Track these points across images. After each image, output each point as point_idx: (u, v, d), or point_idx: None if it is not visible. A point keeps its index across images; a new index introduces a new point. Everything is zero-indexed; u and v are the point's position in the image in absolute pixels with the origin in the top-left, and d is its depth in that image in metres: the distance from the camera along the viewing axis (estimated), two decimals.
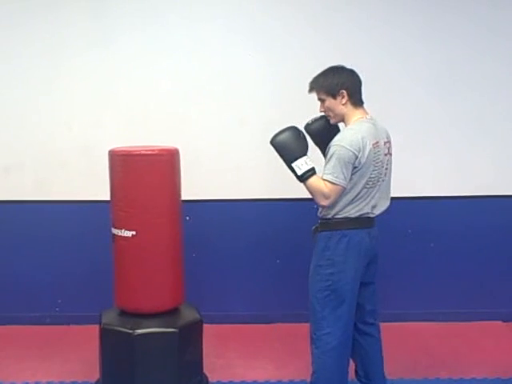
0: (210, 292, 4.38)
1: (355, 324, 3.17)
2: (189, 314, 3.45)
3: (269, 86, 4.35)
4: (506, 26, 4.36)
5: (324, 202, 2.99)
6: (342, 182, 2.94)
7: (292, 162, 3.01)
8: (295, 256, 4.18)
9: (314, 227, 3.13)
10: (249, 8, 4.31)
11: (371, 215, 3.07)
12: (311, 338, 3.10)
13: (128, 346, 3.24)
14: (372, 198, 3.04)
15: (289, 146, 3.02)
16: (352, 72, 3.09)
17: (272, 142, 3.06)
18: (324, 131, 3.16)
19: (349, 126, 3.05)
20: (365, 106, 3.12)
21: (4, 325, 4.39)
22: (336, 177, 2.93)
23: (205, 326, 3.47)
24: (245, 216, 4.45)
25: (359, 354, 3.25)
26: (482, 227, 4.45)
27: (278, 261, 4.49)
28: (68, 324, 4.46)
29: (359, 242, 3.04)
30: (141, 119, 4.33)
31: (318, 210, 3.12)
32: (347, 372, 3.13)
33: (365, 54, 4.25)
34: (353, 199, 3.00)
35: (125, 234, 3.22)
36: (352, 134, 2.97)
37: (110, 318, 3.39)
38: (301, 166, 2.99)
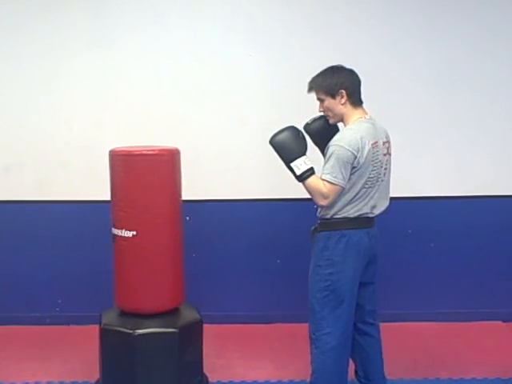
0: (210, 292, 4.38)
1: (355, 324, 3.17)
2: (189, 314, 3.45)
3: (269, 86, 4.36)
4: (506, 26, 4.36)
5: (323, 202, 2.99)
6: (341, 182, 2.94)
7: (291, 161, 3.01)
8: (295, 256, 4.17)
9: (313, 227, 3.13)
10: (249, 8, 4.31)
11: (370, 215, 3.07)
12: (310, 338, 3.10)
13: (128, 346, 3.24)
14: (371, 198, 3.04)
15: (288, 146, 3.02)
16: (351, 72, 3.09)
17: (271, 142, 3.07)
18: (323, 131, 3.16)
19: (348, 126, 3.05)
20: (365, 105, 3.12)
21: (4, 325, 4.39)
22: (335, 177, 2.93)
23: (205, 326, 3.47)
24: (245, 216, 4.45)
25: (359, 355, 3.25)
26: (482, 227, 4.45)
27: (278, 261, 4.49)
28: (68, 324, 4.46)
29: (358, 241, 3.04)
30: (141, 119, 4.33)
31: (317, 210, 3.12)
32: (347, 372, 3.13)
33: (365, 54, 4.25)
34: (352, 199, 3.00)
35: (125, 234, 3.22)
36: (351, 133, 2.97)
37: (110, 318, 3.39)
38: (299, 165, 2.99)
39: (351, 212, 3.02)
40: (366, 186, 3.00)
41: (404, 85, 4.36)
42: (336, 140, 2.97)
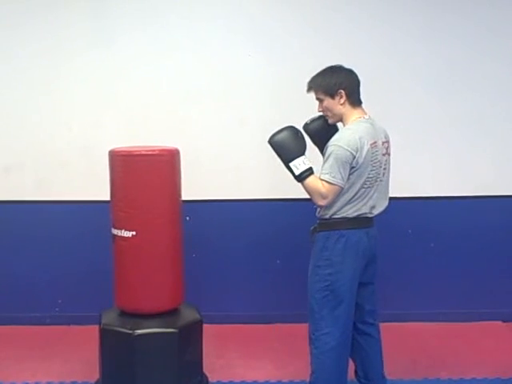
0: (210, 292, 4.38)
1: (355, 324, 3.17)
2: (189, 314, 3.45)
3: (269, 86, 4.36)
4: (506, 26, 4.36)
5: (321, 202, 2.99)
6: (340, 182, 2.94)
7: (290, 161, 3.01)
8: (295, 256, 4.17)
9: (312, 227, 3.13)
10: (249, 8, 4.31)
11: (369, 215, 3.07)
12: (310, 339, 3.10)
13: (128, 346, 3.24)
14: (370, 198, 3.04)
15: (287, 146, 3.02)
16: (350, 72, 3.09)
17: (270, 142, 3.06)
18: (322, 131, 3.16)
19: (347, 126, 3.05)
20: (365, 106, 3.12)
21: (4, 325, 4.39)
22: (333, 177, 2.93)
23: (205, 326, 3.47)
24: (245, 216, 4.45)
25: (359, 355, 3.25)
26: (482, 227, 4.45)
27: (278, 261, 4.49)
28: (68, 324, 4.46)
29: (357, 241, 3.04)
30: (141, 119, 4.33)
31: (316, 210, 3.12)
32: (346, 372, 3.13)
33: (365, 53, 4.25)
34: (350, 199, 3.00)
35: (125, 235, 3.22)
36: (350, 133, 2.97)
37: (110, 318, 3.39)
38: (298, 165, 2.99)
39: (350, 212, 3.02)
40: (365, 186, 3.00)
41: (404, 85, 4.36)
42: (335, 140, 2.97)
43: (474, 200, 4.44)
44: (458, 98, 4.39)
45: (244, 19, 4.32)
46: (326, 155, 2.97)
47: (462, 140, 4.42)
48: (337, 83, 3.02)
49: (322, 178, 2.96)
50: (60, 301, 4.50)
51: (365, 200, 3.03)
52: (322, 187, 2.95)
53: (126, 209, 3.23)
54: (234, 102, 4.37)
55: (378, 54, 4.32)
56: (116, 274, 3.36)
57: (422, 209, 4.46)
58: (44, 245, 4.43)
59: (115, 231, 3.28)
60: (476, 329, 4.41)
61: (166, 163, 3.28)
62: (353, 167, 2.95)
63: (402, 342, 4.14)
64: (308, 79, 3.12)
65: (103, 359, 3.37)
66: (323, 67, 3.12)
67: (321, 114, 3.15)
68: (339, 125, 3.15)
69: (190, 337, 3.36)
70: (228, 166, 4.41)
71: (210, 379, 3.60)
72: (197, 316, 3.46)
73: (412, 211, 4.43)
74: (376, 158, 3.00)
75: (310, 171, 3.00)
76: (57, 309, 4.50)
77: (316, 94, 3.09)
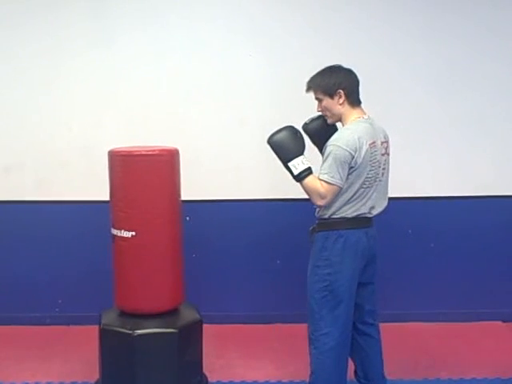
0: (210, 292, 4.38)
1: (355, 324, 3.17)
2: (189, 314, 3.45)
3: (268, 86, 4.36)
4: (506, 26, 4.36)
5: (320, 202, 2.99)
6: (338, 182, 2.94)
7: (288, 161, 3.01)
8: (295, 256, 4.16)
9: (311, 227, 3.13)
10: (249, 9, 4.31)
11: (369, 215, 3.07)
12: (309, 339, 3.10)
13: (128, 346, 3.24)
14: (369, 198, 3.03)
15: (285, 146, 3.02)
16: (349, 71, 3.09)
17: (269, 142, 3.06)
18: (322, 131, 3.16)
19: (346, 126, 3.05)
20: (364, 105, 3.11)
21: (4, 325, 4.39)
22: (332, 177, 2.93)
23: (205, 326, 3.47)
24: (245, 216, 4.45)
25: (359, 355, 3.25)
26: (482, 227, 4.45)
27: (278, 261, 4.49)
28: (68, 324, 4.46)
29: (356, 241, 3.04)
30: (141, 119, 4.33)
31: (315, 210, 3.12)
32: (346, 372, 3.13)
33: (364, 54, 4.25)
34: (349, 199, 3.00)
35: (124, 235, 3.22)
36: (348, 133, 2.97)
37: (110, 318, 3.39)
38: (297, 165, 2.99)
39: (349, 212, 3.02)
40: (364, 186, 3.00)
41: (404, 85, 4.36)
42: (334, 140, 2.97)
43: (474, 200, 4.44)
44: (457, 98, 4.39)
45: (244, 19, 4.32)
46: (325, 155, 2.97)
47: (462, 140, 4.42)
48: (336, 83, 3.02)
49: (320, 177, 2.96)
50: (60, 301, 4.50)
51: (364, 200, 3.02)
52: (321, 187, 2.95)
53: (125, 209, 3.23)
54: (234, 102, 4.37)
55: (378, 54, 4.32)
56: (116, 274, 3.36)
57: (421, 209, 4.45)
58: (44, 245, 4.43)
59: (115, 231, 3.28)
60: (476, 329, 4.41)
61: (165, 163, 3.28)
62: (351, 167, 2.94)
63: (402, 342, 4.14)
64: (308, 79, 3.11)
65: (103, 359, 3.37)
66: (323, 67, 3.12)
67: (320, 113, 3.15)
68: (338, 125, 3.15)
69: (190, 337, 3.36)
70: (228, 165, 4.41)
71: (209, 379, 3.60)
72: (197, 316, 3.46)
73: (412, 211, 4.43)
74: (375, 158, 2.99)
75: (308, 171, 2.99)
76: (57, 309, 4.50)
77: (315, 93, 3.08)
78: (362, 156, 2.94)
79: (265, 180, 4.39)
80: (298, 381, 3.65)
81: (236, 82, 4.35)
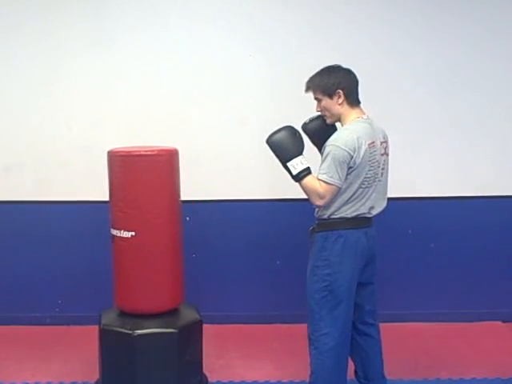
0: (210, 292, 4.39)
1: (355, 325, 3.17)
2: (189, 314, 3.45)
3: (268, 86, 4.36)
4: (506, 26, 4.36)
5: (319, 202, 2.99)
6: (337, 182, 2.94)
7: (287, 161, 3.01)
8: (295, 256, 4.16)
9: (310, 228, 3.13)
10: (249, 9, 4.31)
11: (368, 215, 3.06)
12: (309, 339, 3.10)
13: (128, 346, 3.24)
14: (368, 198, 3.03)
15: (284, 146, 3.02)
16: (349, 71, 3.09)
17: (267, 142, 3.06)
18: (321, 131, 3.16)
19: (344, 126, 3.05)
20: (364, 106, 3.11)
21: (4, 325, 4.39)
22: (331, 177, 2.92)
23: (205, 326, 3.47)
24: (245, 216, 4.45)
25: (359, 355, 3.24)
26: (482, 227, 4.45)
27: (277, 261, 4.49)
28: (68, 324, 4.46)
29: (355, 242, 3.03)
30: (141, 119, 4.33)
31: (315, 210, 3.12)
32: (346, 372, 3.13)
33: (364, 54, 4.25)
34: (348, 199, 3.00)
35: (124, 235, 3.22)
36: (347, 133, 2.96)
37: (110, 318, 3.39)
38: (296, 165, 2.99)
39: (348, 212, 3.01)
40: (363, 186, 3.00)
41: (404, 85, 4.36)
42: (332, 140, 2.97)
43: (473, 200, 4.44)
44: (457, 98, 4.39)
45: (244, 19, 4.32)
46: (324, 155, 2.96)
47: (462, 140, 4.42)
48: (335, 83, 3.02)
49: (319, 177, 2.95)
50: (60, 301, 4.50)
51: (363, 200, 3.02)
52: (320, 187, 2.95)
53: (125, 209, 3.23)
54: (234, 101, 4.37)
55: (378, 54, 4.32)
56: (116, 275, 3.37)
57: (421, 209, 4.45)
58: (44, 245, 4.43)
59: (114, 232, 3.28)
60: (476, 329, 4.41)
61: (165, 163, 3.28)
62: (350, 167, 2.94)
63: (402, 342, 4.14)
64: (307, 79, 3.11)
65: (103, 359, 3.37)
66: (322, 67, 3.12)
67: (319, 113, 3.15)
68: (338, 125, 3.15)
69: (190, 337, 3.36)
70: (228, 166, 4.41)
71: (209, 379, 3.60)
72: (197, 316, 3.46)
73: (412, 211, 4.43)
74: (374, 158, 2.99)
75: (307, 171, 2.99)
76: (57, 309, 4.50)
77: (314, 93, 3.08)
78: (361, 156, 2.94)
79: (264, 180, 4.39)
80: (297, 381, 3.65)
81: (236, 82, 4.35)
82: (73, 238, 4.41)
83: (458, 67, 4.36)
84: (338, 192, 2.97)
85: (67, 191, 4.37)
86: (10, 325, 4.39)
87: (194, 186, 3.94)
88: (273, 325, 4.45)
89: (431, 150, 4.42)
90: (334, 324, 3.02)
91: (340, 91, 3.02)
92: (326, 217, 3.04)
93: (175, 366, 3.28)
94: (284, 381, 3.71)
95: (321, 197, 2.96)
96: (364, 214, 3.04)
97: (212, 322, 3.86)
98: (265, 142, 3.08)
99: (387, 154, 3.11)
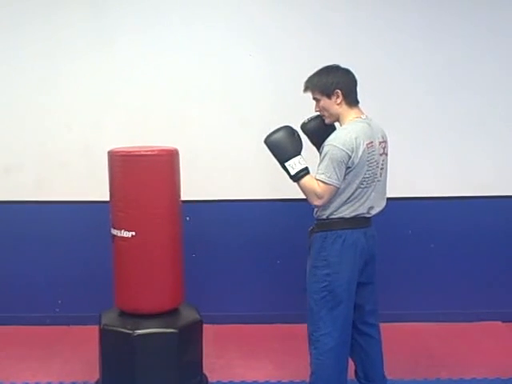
0: (210, 292, 4.39)
1: (355, 325, 3.16)
2: (189, 315, 3.45)
3: (269, 86, 4.35)
4: (506, 26, 4.36)
5: (317, 202, 2.98)
6: (335, 182, 2.93)
7: (285, 161, 3.01)
8: (295, 256, 4.15)
9: (310, 228, 3.13)
10: (249, 8, 4.30)
11: (367, 215, 3.06)
12: (309, 339, 3.10)
13: (128, 346, 3.24)
14: (367, 198, 3.03)
15: (282, 146, 3.02)
16: (347, 71, 3.08)
17: (266, 142, 3.06)
18: (320, 130, 3.15)
19: (343, 126, 3.04)
20: (364, 105, 3.11)
21: (4, 325, 4.39)
22: (329, 177, 2.92)
23: (205, 326, 3.47)
24: (245, 216, 4.45)
25: (359, 355, 3.24)
26: (482, 227, 4.45)
27: (278, 261, 4.49)
28: (68, 324, 4.46)
29: (354, 242, 3.03)
30: (141, 119, 4.33)
31: (314, 210, 3.12)
32: (346, 372, 3.13)
33: (365, 54, 4.25)
34: (347, 199, 3.00)
35: (124, 235, 3.23)
36: (345, 133, 2.96)
37: (110, 318, 3.39)
38: (294, 165, 2.99)
39: (347, 212, 3.01)
40: (362, 186, 2.99)
41: (404, 85, 4.36)
42: (330, 140, 2.96)
43: (473, 200, 4.44)
44: (457, 98, 4.39)
45: (244, 19, 4.32)
46: (322, 155, 2.96)
47: (462, 140, 4.42)
48: (333, 83, 3.02)
49: (317, 178, 2.95)
50: (60, 301, 4.50)
51: (362, 200, 3.02)
52: (318, 187, 2.95)
53: (125, 209, 3.23)
54: (234, 101, 4.37)
55: (378, 54, 4.32)
56: (116, 275, 3.37)
57: (421, 209, 4.45)
58: (44, 245, 4.43)
59: (115, 231, 3.28)
60: (476, 329, 4.41)
61: (165, 163, 3.28)
62: (348, 167, 2.94)
63: (402, 341, 4.14)
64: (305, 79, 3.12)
65: (103, 359, 3.37)
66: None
67: (318, 113, 3.15)
68: (336, 124, 3.15)
69: (190, 337, 3.36)
70: (228, 166, 4.41)
71: (209, 379, 3.60)
72: (197, 316, 3.46)
73: (412, 211, 4.43)
74: (373, 158, 2.99)
75: (305, 171, 2.99)
76: (57, 309, 4.50)
77: (312, 93, 3.08)
78: (359, 156, 2.93)
79: (265, 180, 4.39)
80: (298, 381, 3.65)
81: (236, 82, 4.35)
82: (73, 238, 4.41)
83: (458, 67, 4.36)
84: (337, 192, 2.97)
85: (67, 191, 4.37)
86: (9, 325, 4.39)
87: (193, 186, 3.93)
88: (273, 325, 4.45)
89: (431, 149, 4.42)
90: (334, 324, 3.02)
91: (338, 91, 3.01)
92: (324, 217, 3.04)
93: (175, 366, 3.28)
94: (284, 381, 3.71)
95: (319, 197, 2.96)
96: (363, 214, 3.04)
97: (212, 322, 3.86)
98: (263, 142, 3.08)
99: (386, 154, 3.10)
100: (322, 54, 4.11)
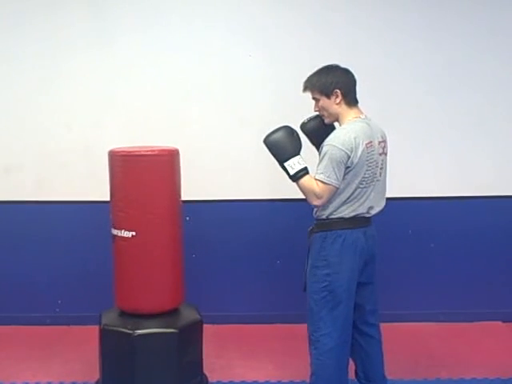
0: (210, 292, 4.38)
1: (356, 325, 3.16)
2: (189, 315, 3.45)
3: (269, 86, 4.35)
4: (506, 26, 4.36)
5: (316, 202, 2.98)
6: (334, 182, 2.93)
7: (284, 161, 3.00)
8: (295, 256, 4.15)
9: (310, 228, 3.13)
10: (249, 8, 4.31)
11: (367, 215, 3.06)
12: (309, 339, 3.09)
13: (128, 346, 3.24)
14: (367, 198, 3.02)
15: (282, 146, 3.02)
16: (346, 71, 3.08)
17: (265, 142, 3.06)
18: (319, 130, 3.15)
19: (342, 126, 3.04)
20: (364, 105, 3.11)
21: (4, 325, 4.39)
22: (328, 176, 2.92)
23: (205, 326, 3.47)
24: (245, 216, 4.45)
25: (359, 355, 3.24)
26: (482, 227, 4.45)
27: (278, 261, 4.49)
28: (68, 324, 4.46)
29: (354, 241, 3.03)
30: (141, 119, 4.33)
31: (313, 210, 3.11)
32: (346, 372, 3.12)
33: (364, 53, 4.25)
34: (347, 199, 2.99)
35: (124, 235, 3.23)
36: (344, 133, 2.96)
37: (110, 318, 3.39)
38: (293, 165, 2.99)
39: (347, 212, 3.01)
40: (361, 186, 2.99)
41: (404, 85, 4.36)
42: (329, 140, 2.96)
43: (473, 200, 4.44)
44: (458, 97, 4.39)
45: (244, 19, 4.32)
46: (321, 155, 2.96)
47: (462, 140, 4.42)
48: (333, 83, 3.01)
49: (316, 177, 2.95)
50: (60, 301, 4.50)
51: (361, 200, 3.02)
52: (317, 187, 2.94)
53: (125, 209, 3.23)
54: (234, 102, 4.37)
55: (378, 54, 4.32)
56: (116, 274, 3.37)
57: (421, 209, 4.45)
58: (44, 245, 4.43)
59: (115, 231, 3.28)
60: (476, 329, 4.41)
61: (165, 163, 3.28)
62: (348, 167, 2.93)
63: (402, 342, 4.14)
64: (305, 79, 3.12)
65: (103, 359, 3.37)
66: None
67: (318, 113, 3.15)
68: (336, 124, 3.14)
69: (190, 337, 3.36)
70: (228, 165, 4.41)
71: (209, 379, 3.60)
72: (197, 316, 3.46)
73: (412, 211, 4.43)
74: (372, 158, 2.99)
75: (304, 171, 2.99)
76: (57, 309, 4.50)
77: (312, 93, 3.08)
78: (359, 156, 2.93)
79: (265, 180, 4.39)
80: (298, 381, 3.65)
81: (236, 81, 4.35)
82: (73, 238, 4.41)
83: (458, 67, 4.36)
84: (336, 192, 2.97)
85: (67, 191, 4.37)
86: (10, 325, 4.39)
87: (194, 186, 3.93)
88: (273, 325, 4.45)
89: (431, 149, 4.42)
90: (334, 324, 3.01)
91: (338, 91, 3.01)
92: (324, 217, 3.04)
93: (175, 366, 3.28)
94: (284, 381, 3.71)
95: (318, 197, 2.96)
96: (363, 213, 3.04)
97: (212, 322, 3.86)
98: (262, 142, 3.08)
99: (386, 154, 3.10)
100: (322, 54, 4.10)
